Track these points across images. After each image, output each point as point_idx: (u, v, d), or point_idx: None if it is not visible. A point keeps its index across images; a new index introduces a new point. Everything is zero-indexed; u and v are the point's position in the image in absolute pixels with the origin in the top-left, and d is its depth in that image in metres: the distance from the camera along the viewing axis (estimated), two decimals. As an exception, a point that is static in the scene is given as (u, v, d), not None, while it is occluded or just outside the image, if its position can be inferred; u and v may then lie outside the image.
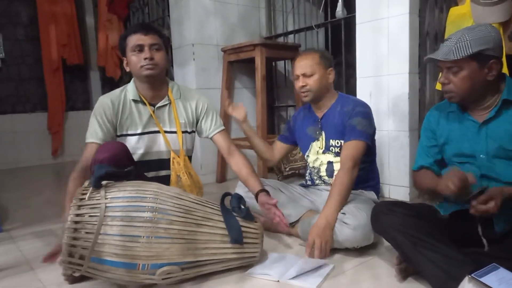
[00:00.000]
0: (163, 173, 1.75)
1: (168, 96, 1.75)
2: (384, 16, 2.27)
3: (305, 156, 1.94)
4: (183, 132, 1.76)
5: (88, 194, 1.26)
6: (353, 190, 1.69)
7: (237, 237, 1.34)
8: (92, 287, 1.37)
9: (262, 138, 2.26)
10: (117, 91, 1.75)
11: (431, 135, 1.48)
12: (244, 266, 1.43)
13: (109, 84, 4.64)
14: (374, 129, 1.81)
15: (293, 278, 1.34)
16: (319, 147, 1.87)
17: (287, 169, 2.96)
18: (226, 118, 3.08)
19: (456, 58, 1.24)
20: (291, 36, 3.23)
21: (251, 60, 2.86)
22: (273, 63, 3.43)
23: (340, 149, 1.78)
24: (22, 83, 4.40)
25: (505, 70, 1.67)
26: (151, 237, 1.23)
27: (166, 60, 1.70)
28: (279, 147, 2.06)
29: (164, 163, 1.73)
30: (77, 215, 1.22)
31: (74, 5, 4.53)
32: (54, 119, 4.48)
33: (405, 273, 1.34)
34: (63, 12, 4.42)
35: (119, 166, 1.38)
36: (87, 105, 4.81)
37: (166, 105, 1.75)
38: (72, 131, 4.56)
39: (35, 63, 4.41)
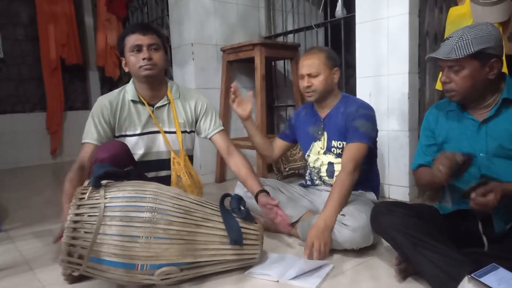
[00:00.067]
0: (163, 173, 1.74)
1: (167, 96, 1.75)
2: (384, 16, 2.27)
3: (306, 156, 1.94)
4: (182, 132, 1.76)
5: (87, 194, 1.25)
6: (353, 191, 1.69)
7: (236, 238, 1.34)
8: (91, 287, 1.36)
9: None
10: (115, 91, 1.74)
11: (430, 134, 1.48)
12: (244, 267, 1.42)
13: (108, 84, 4.64)
14: (377, 131, 1.80)
15: (293, 278, 1.33)
16: (321, 148, 1.86)
17: (287, 169, 2.96)
18: (226, 118, 3.09)
19: (457, 57, 1.24)
20: (290, 36, 3.23)
21: (251, 60, 2.86)
22: (273, 63, 3.43)
23: (341, 151, 1.77)
24: (22, 83, 4.39)
25: (504, 69, 1.67)
26: (150, 238, 1.23)
27: (165, 60, 1.69)
28: (279, 144, 2.05)
29: (164, 163, 1.73)
30: (76, 214, 1.22)
31: (73, 5, 4.53)
32: (53, 119, 4.48)
33: (404, 273, 1.34)
34: (62, 12, 4.41)
35: (119, 165, 1.38)
36: (86, 105, 4.81)
37: (165, 105, 1.74)
38: (71, 131, 4.56)
39: (34, 63, 4.40)
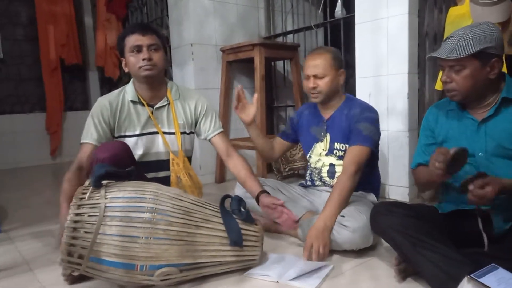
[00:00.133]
0: (162, 174, 1.74)
1: (167, 97, 1.75)
2: (383, 16, 2.27)
3: (307, 156, 1.93)
4: (181, 133, 1.76)
5: (88, 194, 1.25)
6: (353, 191, 1.68)
7: (236, 240, 1.34)
8: (91, 288, 1.37)
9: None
10: (115, 92, 1.74)
11: (429, 134, 1.48)
12: (244, 268, 1.42)
13: (108, 84, 4.64)
14: (380, 134, 1.79)
15: (292, 279, 1.33)
16: (323, 149, 1.85)
17: (286, 170, 2.96)
18: (225, 118, 3.09)
19: (458, 57, 1.24)
20: (290, 36, 3.23)
21: (250, 60, 2.86)
22: (272, 63, 3.43)
23: (343, 153, 1.76)
24: (21, 83, 4.39)
25: (503, 69, 1.67)
26: (150, 238, 1.23)
27: (164, 60, 1.69)
28: (280, 144, 2.03)
29: (163, 164, 1.73)
30: (77, 214, 1.22)
31: (72, 5, 4.52)
32: (52, 119, 4.48)
33: (404, 273, 1.34)
34: (62, 12, 4.41)
35: (120, 165, 1.38)
36: (86, 105, 4.80)
37: (164, 106, 1.74)
38: (71, 131, 4.55)
39: (34, 63, 4.40)
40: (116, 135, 1.70)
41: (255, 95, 1.75)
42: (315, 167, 1.89)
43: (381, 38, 2.29)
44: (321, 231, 1.50)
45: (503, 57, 1.43)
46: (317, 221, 1.55)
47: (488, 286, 1.04)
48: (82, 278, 1.38)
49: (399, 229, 1.28)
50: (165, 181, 1.67)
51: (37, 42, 4.33)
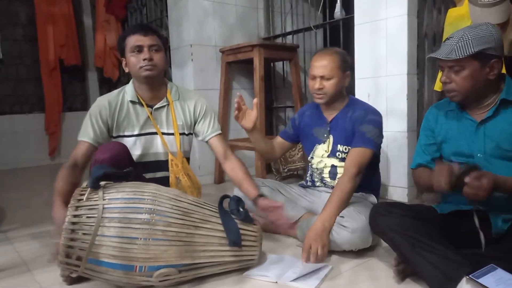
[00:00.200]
0: (160, 174, 1.74)
1: (166, 98, 1.75)
2: (382, 17, 2.27)
3: (309, 157, 1.92)
4: (180, 134, 1.76)
5: (86, 195, 1.25)
6: (354, 192, 1.68)
7: (235, 240, 1.34)
8: (89, 289, 1.37)
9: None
10: (115, 92, 1.74)
11: (429, 134, 1.48)
12: (242, 268, 1.42)
13: (107, 85, 4.63)
14: (382, 137, 1.78)
15: (292, 281, 1.33)
16: (325, 151, 1.84)
17: (285, 170, 2.96)
18: (224, 119, 3.09)
19: (458, 57, 1.24)
20: (289, 37, 3.23)
21: (250, 61, 2.86)
22: (272, 64, 3.43)
23: (346, 155, 1.74)
24: (20, 83, 4.39)
25: (503, 70, 1.67)
26: (149, 239, 1.22)
27: (165, 61, 1.70)
28: (281, 144, 2.01)
29: (161, 165, 1.73)
30: (75, 216, 1.22)
31: (72, 6, 4.52)
32: (51, 119, 4.47)
33: (403, 274, 1.34)
34: (61, 13, 4.41)
35: (119, 166, 1.38)
36: (85, 106, 4.80)
37: (164, 106, 1.74)
38: (70, 132, 4.54)
39: (33, 63, 4.40)
40: (114, 134, 1.70)
41: (255, 100, 1.70)
42: (316, 168, 1.88)
43: (380, 39, 2.29)
44: (319, 233, 1.50)
45: (503, 58, 1.43)
46: (316, 222, 1.54)
47: (486, 287, 1.04)
48: (80, 279, 1.37)
49: (398, 230, 1.28)
50: (164, 181, 1.67)
51: (36, 42, 4.33)
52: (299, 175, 2.99)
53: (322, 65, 1.72)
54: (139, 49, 1.63)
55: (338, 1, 2.78)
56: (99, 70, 4.73)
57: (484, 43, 1.22)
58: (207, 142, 1.80)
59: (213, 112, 1.84)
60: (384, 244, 1.56)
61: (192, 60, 2.96)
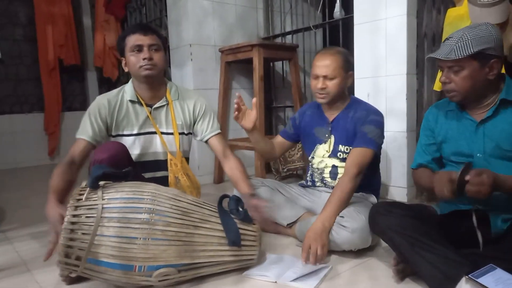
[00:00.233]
0: (160, 174, 1.74)
1: (166, 97, 1.75)
2: (382, 17, 2.27)
3: (310, 157, 1.91)
4: (180, 133, 1.76)
5: (85, 195, 1.25)
6: (354, 193, 1.67)
7: (235, 239, 1.34)
8: (89, 289, 1.36)
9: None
10: (115, 91, 1.74)
11: (429, 134, 1.48)
12: (242, 268, 1.42)
13: (106, 84, 4.63)
14: (384, 138, 1.78)
15: (291, 281, 1.33)
16: (326, 151, 1.83)
17: (285, 170, 2.96)
18: (224, 118, 3.09)
19: (457, 58, 1.24)
20: (289, 37, 3.23)
21: (249, 61, 2.86)
22: (271, 64, 3.43)
23: (347, 155, 1.74)
24: (20, 83, 4.39)
25: (502, 70, 1.67)
26: (148, 239, 1.22)
27: (164, 61, 1.70)
28: (281, 143, 2.00)
29: (160, 164, 1.73)
30: (74, 215, 1.22)
31: (71, 6, 4.51)
32: (51, 119, 4.47)
33: (402, 274, 1.34)
34: (60, 13, 4.40)
35: (118, 166, 1.38)
36: (84, 106, 4.79)
37: (163, 106, 1.74)
38: (69, 132, 4.53)
39: (32, 63, 4.39)
40: (113, 133, 1.70)
41: (254, 99, 1.69)
42: (317, 168, 1.88)
43: (380, 39, 2.29)
44: (319, 233, 1.49)
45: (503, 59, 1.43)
46: (316, 222, 1.54)
47: (486, 287, 1.04)
48: (80, 279, 1.37)
49: (398, 230, 1.28)
50: (163, 181, 1.67)
51: (36, 42, 4.32)
52: (299, 174, 2.99)
53: (325, 65, 1.71)
54: (138, 48, 1.63)
55: (338, 1, 2.78)
56: (98, 70, 4.73)
57: (484, 43, 1.22)
58: (206, 141, 1.80)
59: (212, 111, 1.84)
60: (383, 244, 1.56)
61: (191, 59, 2.96)
